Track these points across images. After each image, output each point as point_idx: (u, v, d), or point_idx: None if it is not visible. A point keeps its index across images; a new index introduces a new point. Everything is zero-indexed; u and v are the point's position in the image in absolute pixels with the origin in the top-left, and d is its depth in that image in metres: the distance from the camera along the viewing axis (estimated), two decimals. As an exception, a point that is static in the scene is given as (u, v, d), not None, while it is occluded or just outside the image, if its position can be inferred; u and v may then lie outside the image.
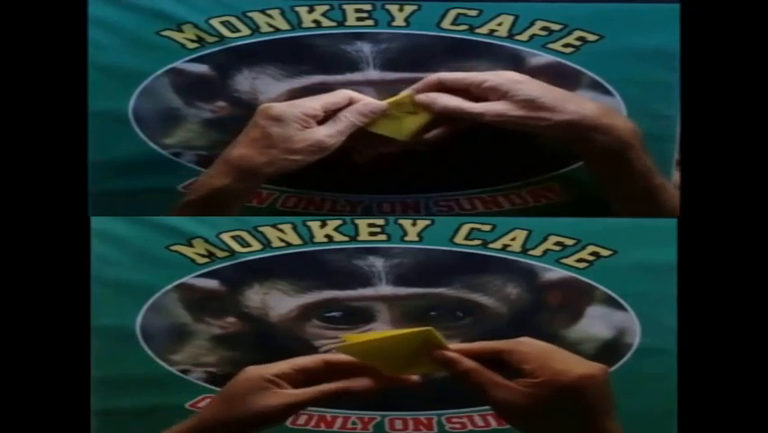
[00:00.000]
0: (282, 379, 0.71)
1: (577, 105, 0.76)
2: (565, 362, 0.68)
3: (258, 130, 0.76)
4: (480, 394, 0.69)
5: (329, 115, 0.77)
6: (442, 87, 0.78)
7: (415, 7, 0.80)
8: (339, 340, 0.79)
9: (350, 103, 0.77)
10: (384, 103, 0.78)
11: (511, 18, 0.79)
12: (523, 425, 0.69)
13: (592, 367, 0.68)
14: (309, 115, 0.76)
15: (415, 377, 0.73)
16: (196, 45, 0.80)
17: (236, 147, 0.77)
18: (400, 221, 0.79)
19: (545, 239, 0.79)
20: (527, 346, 0.69)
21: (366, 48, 0.80)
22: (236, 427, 0.71)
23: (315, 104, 0.77)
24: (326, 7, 0.80)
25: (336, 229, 0.79)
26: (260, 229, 0.79)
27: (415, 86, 0.78)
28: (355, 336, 0.74)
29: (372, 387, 0.72)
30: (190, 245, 0.79)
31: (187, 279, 0.79)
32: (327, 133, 0.76)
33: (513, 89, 0.76)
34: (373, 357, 0.72)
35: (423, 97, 0.78)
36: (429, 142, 0.79)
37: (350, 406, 0.79)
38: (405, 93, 0.78)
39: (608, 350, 0.79)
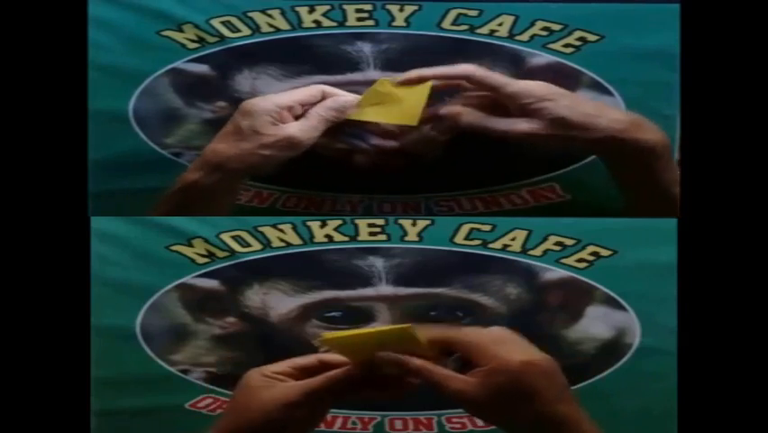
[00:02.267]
0: (283, 375, 0.70)
1: (608, 120, 0.75)
2: (510, 350, 0.67)
3: (232, 124, 0.76)
4: (436, 389, 0.68)
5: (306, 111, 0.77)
6: (468, 81, 0.77)
7: (415, 7, 0.80)
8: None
9: (323, 98, 0.77)
10: (356, 96, 0.77)
11: (512, 18, 0.80)
12: (481, 413, 0.69)
13: (535, 355, 0.67)
14: (282, 108, 0.75)
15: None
16: (196, 45, 0.80)
17: (213, 142, 0.77)
18: (400, 221, 0.79)
19: (545, 239, 0.79)
20: (475, 336, 0.69)
21: (366, 48, 0.80)
22: (258, 423, 0.69)
23: (288, 97, 0.76)
24: (327, 7, 0.80)
25: (336, 229, 0.79)
26: (260, 229, 0.79)
27: (442, 71, 0.77)
28: (336, 333, 0.73)
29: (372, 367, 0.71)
30: (190, 245, 0.79)
31: (187, 279, 0.79)
32: (299, 128, 0.75)
33: (542, 107, 0.74)
34: (352, 352, 0.71)
35: (446, 112, 0.77)
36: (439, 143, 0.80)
37: (350, 406, 0.79)
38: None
39: (608, 350, 0.79)
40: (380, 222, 0.79)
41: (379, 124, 0.79)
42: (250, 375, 0.71)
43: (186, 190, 0.76)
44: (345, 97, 0.77)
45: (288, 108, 0.76)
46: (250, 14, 0.80)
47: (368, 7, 0.80)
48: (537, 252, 0.79)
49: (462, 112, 0.77)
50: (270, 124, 0.75)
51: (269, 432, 0.69)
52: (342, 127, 0.78)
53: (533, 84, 0.76)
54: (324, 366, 0.71)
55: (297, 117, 0.76)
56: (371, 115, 0.78)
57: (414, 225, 0.79)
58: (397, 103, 0.77)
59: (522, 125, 0.75)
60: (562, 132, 0.74)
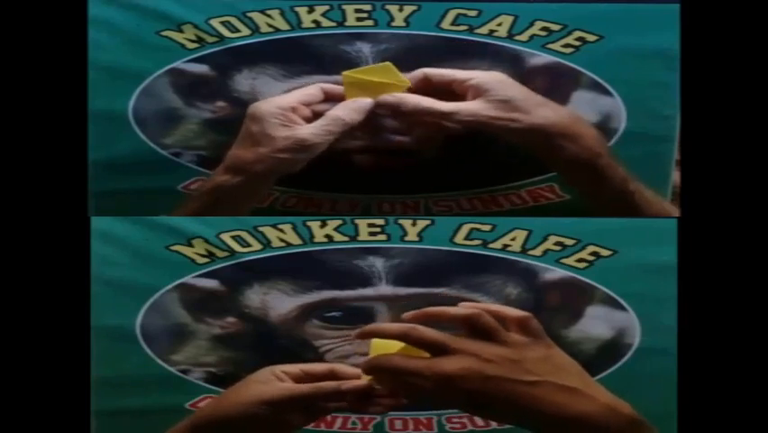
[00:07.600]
0: (287, 375, 0.72)
1: (551, 111, 0.76)
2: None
3: (243, 129, 0.76)
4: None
5: (318, 114, 0.77)
6: (428, 83, 0.77)
7: (414, 7, 0.80)
8: (339, 340, 0.79)
9: (324, 95, 0.77)
10: (371, 100, 0.77)
11: (511, 18, 0.80)
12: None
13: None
14: (285, 109, 0.75)
15: None
16: (196, 45, 0.80)
17: (232, 148, 0.77)
18: (400, 221, 0.79)
19: (545, 239, 0.79)
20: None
21: (366, 48, 0.80)
22: (234, 414, 0.71)
23: (290, 97, 0.76)
24: (326, 7, 0.80)
25: (336, 229, 0.79)
26: (260, 229, 0.79)
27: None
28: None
29: (365, 388, 0.71)
30: (190, 245, 0.79)
31: (187, 279, 0.79)
32: (312, 132, 0.75)
33: (494, 89, 0.75)
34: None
35: (390, 99, 0.77)
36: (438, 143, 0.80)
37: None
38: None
39: (608, 350, 0.79)
40: (380, 222, 0.79)
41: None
42: (261, 370, 0.73)
43: (213, 192, 0.77)
44: (365, 99, 0.77)
45: (292, 109, 0.76)
46: (249, 15, 0.80)
47: (367, 7, 0.80)
48: (537, 252, 0.79)
49: (406, 97, 0.76)
50: (280, 125, 0.75)
51: (245, 421, 0.71)
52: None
53: (491, 72, 0.77)
54: (333, 376, 0.72)
55: (305, 118, 0.76)
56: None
57: (414, 225, 0.79)
58: (378, 83, 0.77)
59: (470, 106, 0.75)
60: (507, 114, 0.74)
